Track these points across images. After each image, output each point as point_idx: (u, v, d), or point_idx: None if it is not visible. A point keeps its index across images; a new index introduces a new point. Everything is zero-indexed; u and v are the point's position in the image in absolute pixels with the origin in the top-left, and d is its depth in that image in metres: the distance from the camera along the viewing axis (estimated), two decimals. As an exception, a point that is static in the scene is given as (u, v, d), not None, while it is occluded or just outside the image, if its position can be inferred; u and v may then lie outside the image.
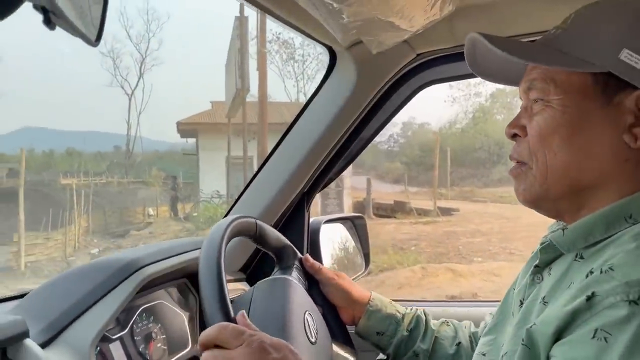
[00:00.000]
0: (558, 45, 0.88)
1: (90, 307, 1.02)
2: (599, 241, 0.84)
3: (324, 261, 1.62)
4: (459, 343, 1.24)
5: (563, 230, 0.89)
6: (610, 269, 0.75)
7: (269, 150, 1.57)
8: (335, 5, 1.00)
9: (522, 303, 0.93)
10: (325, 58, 1.47)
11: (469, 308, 1.75)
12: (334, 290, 1.27)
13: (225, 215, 1.52)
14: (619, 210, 0.84)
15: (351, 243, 1.83)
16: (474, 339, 1.26)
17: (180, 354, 1.24)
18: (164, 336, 1.21)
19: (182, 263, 1.25)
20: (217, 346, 0.84)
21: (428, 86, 1.57)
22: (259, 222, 1.16)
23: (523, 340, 0.80)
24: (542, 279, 0.91)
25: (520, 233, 12.57)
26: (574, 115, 0.86)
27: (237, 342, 0.83)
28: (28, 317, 0.91)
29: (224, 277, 0.94)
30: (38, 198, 19.23)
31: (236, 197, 1.62)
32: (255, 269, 1.61)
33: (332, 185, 14.45)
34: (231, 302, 0.94)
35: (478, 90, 32.53)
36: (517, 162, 0.94)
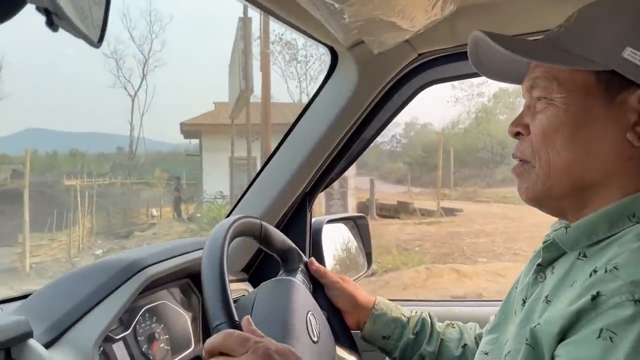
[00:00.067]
0: (561, 44, 0.88)
1: (94, 307, 1.02)
2: (602, 239, 0.84)
3: (326, 261, 1.62)
4: (465, 345, 1.24)
5: (566, 228, 0.88)
6: (615, 268, 0.75)
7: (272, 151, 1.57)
8: (336, 5, 1.00)
9: (524, 302, 0.93)
10: (327, 59, 1.47)
11: (474, 308, 1.75)
12: (338, 294, 1.27)
13: (228, 216, 1.52)
14: (622, 208, 0.84)
15: (353, 243, 1.83)
16: (479, 340, 1.25)
17: (183, 354, 1.24)
18: (167, 336, 1.21)
19: (184, 263, 1.25)
20: (222, 353, 0.84)
21: (429, 86, 1.57)
22: (264, 223, 1.16)
23: (527, 340, 0.80)
24: (545, 278, 0.91)
25: (524, 233, 12.55)
26: (577, 113, 0.85)
27: (243, 350, 0.83)
28: (32, 317, 0.92)
29: (227, 278, 0.94)
30: (42, 199, 19.28)
31: (239, 197, 1.62)
32: (257, 269, 1.61)
33: (336, 185, 14.45)
34: (235, 302, 0.94)
35: (481, 91, 32.50)
36: (520, 161, 0.94)
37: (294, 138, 1.52)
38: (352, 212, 14.81)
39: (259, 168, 1.59)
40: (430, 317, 1.29)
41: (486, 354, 0.99)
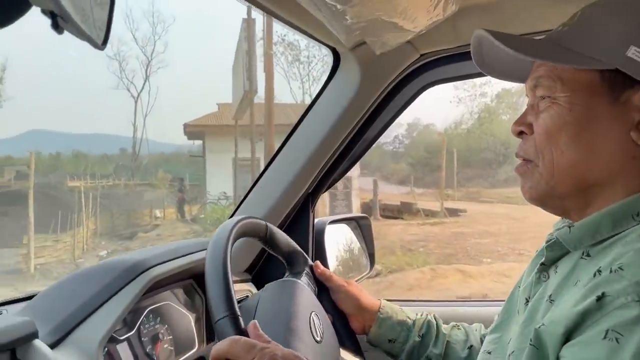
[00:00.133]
0: (565, 43, 0.88)
1: (98, 308, 1.02)
2: (605, 239, 0.84)
3: (329, 262, 1.62)
4: (471, 346, 1.24)
5: (569, 227, 0.88)
6: (620, 268, 0.75)
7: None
8: (338, 6, 1.00)
9: (527, 301, 0.93)
10: (330, 59, 1.48)
11: (479, 308, 1.75)
12: (343, 297, 1.27)
13: (231, 216, 1.53)
14: (626, 207, 0.84)
15: (356, 243, 1.83)
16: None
17: (187, 355, 1.24)
18: (171, 337, 1.21)
19: (188, 264, 1.25)
20: None
21: (432, 86, 1.57)
22: (269, 225, 1.17)
23: (531, 340, 0.80)
24: (548, 277, 0.91)
25: (528, 234, 12.51)
26: (581, 112, 0.85)
27: (249, 356, 0.83)
28: (37, 318, 0.92)
29: (230, 275, 0.95)
30: (46, 200, 19.33)
31: (242, 198, 1.62)
32: (261, 269, 1.62)
33: (340, 186, 14.43)
34: (239, 303, 0.94)
35: (484, 91, 32.46)
36: (524, 160, 0.94)
37: (296, 139, 1.53)
38: (356, 212, 14.79)
39: (262, 169, 1.59)
40: (435, 319, 1.29)
41: (489, 353, 0.99)
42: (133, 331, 1.11)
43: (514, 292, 1.04)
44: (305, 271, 1.25)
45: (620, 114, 0.84)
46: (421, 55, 1.46)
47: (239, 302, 1.31)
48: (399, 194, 23.22)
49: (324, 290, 1.28)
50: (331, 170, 1.58)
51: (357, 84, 1.43)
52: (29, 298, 1.10)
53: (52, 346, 0.92)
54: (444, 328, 1.28)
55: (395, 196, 21.56)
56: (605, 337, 0.70)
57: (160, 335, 1.18)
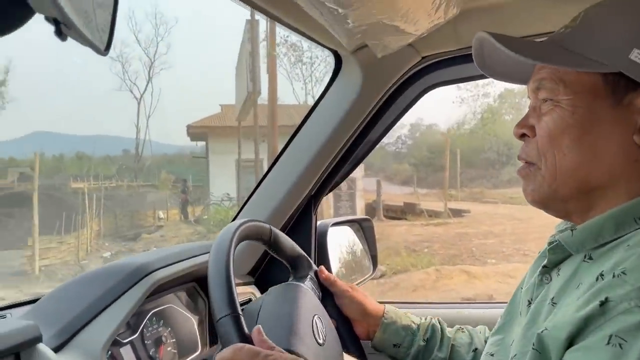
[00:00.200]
0: (567, 45, 0.88)
1: (102, 311, 1.03)
2: (608, 242, 0.83)
3: (331, 264, 1.62)
4: (476, 349, 1.23)
5: (572, 230, 0.88)
6: (623, 273, 0.74)
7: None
8: (340, 10, 1.00)
9: (530, 303, 0.93)
10: (332, 61, 1.47)
11: (484, 310, 1.74)
12: (348, 302, 1.27)
13: (234, 219, 1.53)
14: (628, 211, 0.83)
15: (359, 245, 1.83)
16: None
17: (190, 358, 1.25)
18: (174, 340, 1.22)
19: (191, 267, 1.26)
20: None
21: (433, 89, 1.57)
22: (273, 229, 1.17)
23: (534, 344, 0.80)
24: (551, 280, 0.91)
25: (533, 234, 12.49)
26: (583, 115, 0.85)
27: None
28: (41, 321, 0.93)
29: (232, 276, 0.95)
30: (50, 202, 19.35)
31: (245, 200, 1.62)
32: (264, 272, 1.62)
33: (344, 187, 14.42)
34: (242, 308, 0.94)
35: (486, 91, 32.37)
36: (526, 162, 0.93)
37: (298, 141, 1.53)
38: (360, 213, 14.78)
39: (265, 170, 1.59)
40: (440, 322, 1.29)
41: (492, 355, 0.99)
42: (136, 334, 1.12)
43: (517, 294, 1.04)
44: (309, 276, 1.24)
45: (623, 117, 0.83)
46: (423, 57, 1.45)
47: (242, 304, 1.31)
48: (402, 194, 23.22)
49: (328, 295, 1.27)
50: (333, 173, 1.58)
51: (359, 86, 1.43)
52: (34, 301, 1.11)
53: (56, 350, 0.93)
54: (449, 331, 1.27)
55: (398, 197, 21.55)
56: (608, 343, 0.70)
57: (164, 338, 1.18)
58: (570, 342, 0.75)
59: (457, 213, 17.64)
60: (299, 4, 1.01)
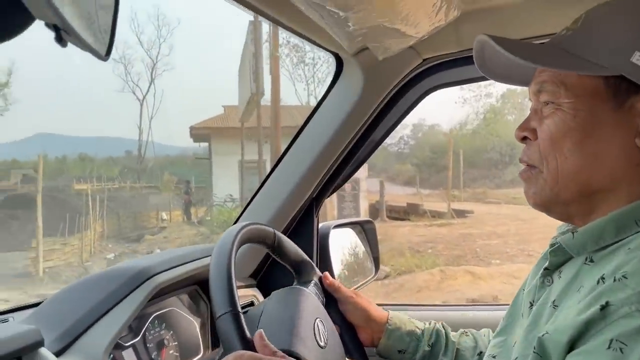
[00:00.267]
0: (568, 47, 0.87)
1: (103, 315, 1.03)
2: (609, 244, 0.83)
3: (333, 266, 1.62)
4: (480, 352, 1.23)
5: (573, 233, 0.88)
6: (624, 277, 0.74)
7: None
8: (341, 13, 1.00)
9: (531, 305, 0.93)
10: (334, 62, 1.47)
11: (489, 312, 1.74)
12: (352, 308, 1.26)
13: (236, 221, 1.53)
14: (630, 213, 0.83)
15: (361, 248, 1.83)
16: None
17: (192, 361, 1.25)
18: (176, 343, 1.22)
19: (193, 270, 1.26)
20: None
21: (434, 91, 1.57)
22: (277, 233, 1.17)
23: (535, 348, 0.80)
24: (552, 282, 0.91)
25: (537, 235, 12.46)
26: (585, 118, 0.85)
27: None
28: (43, 325, 0.93)
29: (233, 277, 0.95)
30: (53, 204, 19.42)
31: (247, 202, 1.62)
32: (265, 275, 1.61)
33: (348, 188, 14.39)
34: (244, 312, 0.94)
35: (489, 91, 32.39)
36: (527, 165, 0.93)
37: (300, 144, 1.53)
38: (364, 214, 14.77)
39: (269, 171, 1.59)
40: (444, 327, 1.29)
41: (494, 357, 0.99)
42: (138, 337, 1.12)
43: (519, 295, 1.04)
44: (313, 281, 1.24)
45: (625, 121, 0.83)
46: (424, 60, 1.45)
47: (244, 307, 1.31)
48: (405, 194, 23.21)
49: (332, 301, 1.27)
50: (335, 175, 1.57)
51: (360, 89, 1.43)
52: (36, 305, 1.11)
53: (58, 354, 0.93)
54: (453, 336, 1.27)
55: (400, 197, 21.55)
56: (609, 347, 0.70)
57: (166, 341, 1.19)
58: (571, 345, 0.75)
59: (461, 213, 17.63)
60: (300, 7, 1.01)
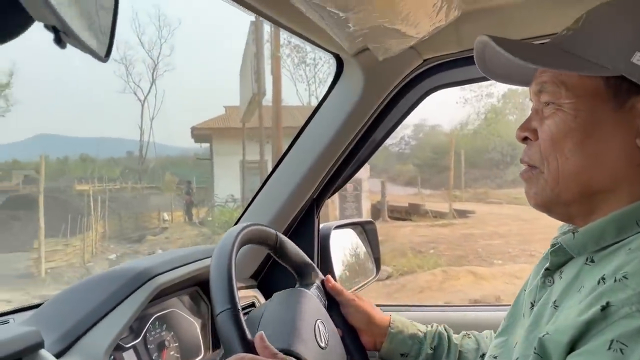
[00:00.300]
0: (569, 48, 0.87)
1: (104, 316, 1.03)
2: (609, 245, 0.83)
3: (334, 267, 1.62)
4: (483, 354, 1.23)
5: (574, 233, 0.88)
6: (625, 277, 0.74)
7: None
8: (341, 14, 1.00)
9: (532, 305, 0.93)
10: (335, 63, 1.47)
11: (490, 313, 1.74)
12: (354, 312, 1.26)
13: (236, 223, 1.53)
14: (630, 214, 0.83)
15: (362, 248, 1.83)
16: None
17: (193, 362, 1.25)
18: (177, 344, 1.22)
19: (193, 271, 1.26)
20: None
21: (435, 91, 1.57)
22: (279, 234, 1.17)
23: (535, 348, 0.80)
24: (553, 282, 0.91)
25: (539, 235, 12.42)
26: (586, 119, 0.85)
27: None
28: (43, 327, 0.93)
29: (234, 274, 0.95)
30: (55, 204, 19.39)
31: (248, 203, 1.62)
32: (266, 275, 1.61)
33: (350, 189, 14.37)
34: (245, 314, 0.94)
35: (490, 91, 32.28)
36: (528, 166, 0.93)
37: (301, 145, 1.53)
38: (366, 214, 14.75)
39: (270, 171, 1.59)
40: (446, 329, 1.28)
41: (495, 357, 0.99)
42: (139, 339, 1.12)
43: (520, 295, 1.04)
44: (315, 284, 1.24)
45: (625, 121, 0.83)
46: (424, 60, 1.45)
47: (245, 308, 1.31)
48: (406, 195, 23.19)
49: (334, 304, 1.27)
50: (336, 176, 1.58)
51: (361, 89, 1.43)
52: (36, 306, 1.11)
53: (58, 355, 0.94)
54: (455, 338, 1.27)
55: (402, 197, 21.53)
56: (610, 348, 0.70)
57: (167, 343, 1.19)
58: (572, 346, 0.75)
59: (462, 214, 17.60)
60: (300, 8, 1.01)
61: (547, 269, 0.92)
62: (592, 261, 0.84)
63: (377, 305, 1.33)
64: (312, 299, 1.15)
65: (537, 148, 0.90)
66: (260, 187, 1.60)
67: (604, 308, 0.72)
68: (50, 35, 0.45)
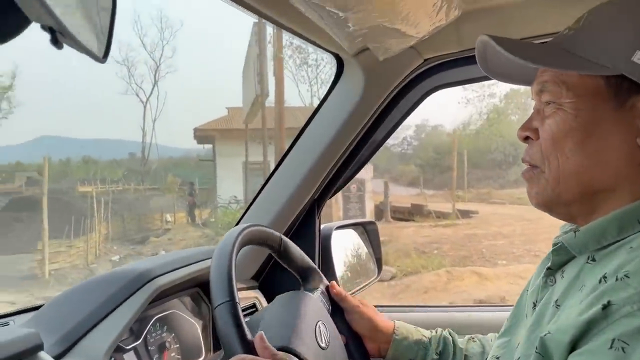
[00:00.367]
0: (569, 47, 0.87)
1: (104, 318, 1.03)
2: (611, 243, 0.83)
3: (336, 268, 1.62)
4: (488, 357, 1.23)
5: (575, 232, 0.88)
6: (626, 276, 0.74)
7: (285, 156, 1.57)
8: (340, 14, 1.00)
9: (535, 305, 0.92)
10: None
11: (495, 313, 1.73)
12: (358, 318, 1.26)
13: (237, 224, 1.52)
14: (632, 213, 0.83)
15: (363, 249, 1.83)
16: None
17: (194, 363, 1.24)
18: (178, 345, 1.22)
19: (194, 273, 1.26)
20: None
21: (436, 91, 1.56)
22: (284, 238, 1.16)
23: (537, 348, 0.79)
24: (555, 282, 0.91)
25: (543, 235, 12.38)
26: (586, 118, 0.85)
27: None
28: (43, 329, 0.93)
29: (233, 269, 0.95)
30: (58, 206, 19.42)
31: (248, 204, 1.62)
32: (268, 276, 1.61)
33: (354, 189, 14.37)
34: (246, 310, 0.94)
35: (492, 92, 32.32)
36: (530, 165, 0.93)
37: (301, 145, 1.53)
38: (369, 215, 14.74)
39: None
40: (450, 334, 1.28)
41: (497, 358, 0.99)
42: (140, 340, 1.12)
43: (523, 296, 1.04)
44: (320, 289, 1.23)
45: (626, 120, 0.83)
46: (425, 60, 1.45)
47: (246, 309, 1.30)
48: (408, 195, 23.16)
49: (338, 310, 1.26)
50: (337, 176, 1.57)
51: (361, 90, 1.42)
52: (36, 308, 1.11)
53: (58, 357, 0.94)
54: (460, 342, 1.26)
55: (404, 198, 21.49)
56: (611, 347, 0.69)
57: (167, 344, 1.18)
58: (573, 345, 0.75)
59: (465, 214, 17.57)
60: (299, 8, 1.00)
61: (548, 268, 0.92)
62: (594, 260, 0.84)
63: (381, 306, 1.33)
64: (314, 302, 1.14)
65: (538, 147, 0.90)
66: (261, 188, 1.59)
67: (605, 307, 0.72)
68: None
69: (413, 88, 1.50)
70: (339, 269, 1.64)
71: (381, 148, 1.69)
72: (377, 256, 1.84)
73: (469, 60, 1.37)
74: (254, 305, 1.46)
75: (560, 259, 0.90)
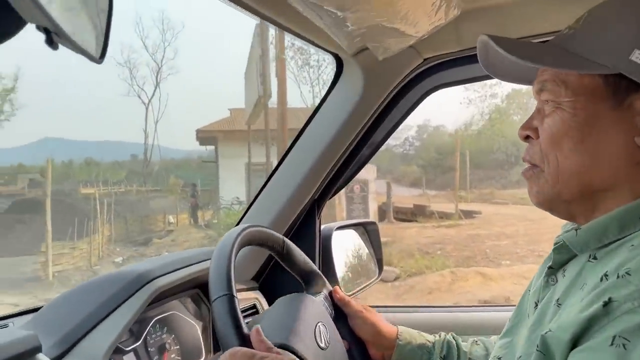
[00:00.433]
0: (568, 47, 0.87)
1: (103, 319, 1.03)
2: (612, 242, 0.83)
3: (336, 268, 1.61)
4: None
5: (576, 231, 0.88)
6: (627, 273, 0.74)
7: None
8: (339, 14, 1.00)
9: (536, 305, 0.92)
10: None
11: (498, 313, 1.73)
12: (361, 323, 1.25)
13: (238, 224, 1.52)
14: (633, 211, 0.83)
15: (364, 249, 1.82)
16: None
17: (194, 364, 1.24)
18: (178, 347, 1.22)
19: (193, 274, 1.26)
20: None
21: (436, 91, 1.56)
22: (286, 240, 1.16)
23: (538, 346, 0.79)
24: (557, 281, 0.90)
25: (546, 235, 12.35)
26: (584, 117, 0.85)
27: None
28: (41, 331, 0.93)
29: (232, 264, 0.95)
30: (61, 208, 19.47)
31: (249, 204, 1.62)
32: (268, 277, 1.61)
33: (357, 190, 14.36)
34: (246, 311, 0.94)
35: (494, 92, 32.25)
36: (530, 164, 0.93)
37: (301, 145, 1.52)
38: (372, 216, 14.73)
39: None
40: (454, 338, 1.27)
41: (499, 358, 0.98)
42: (139, 342, 1.12)
43: (525, 296, 1.04)
44: (323, 294, 1.23)
45: (625, 119, 0.83)
46: (424, 59, 1.44)
47: (246, 310, 1.30)
48: (411, 196, 23.16)
49: (341, 316, 1.26)
50: (337, 177, 1.57)
51: (361, 89, 1.42)
52: (35, 310, 1.11)
53: (57, 359, 0.93)
54: (464, 345, 1.26)
55: (407, 198, 21.49)
56: (612, 344, 0.69)
57: (167, 345, 1.18)
58: (574, 343, 0.74)
59: (468, 214, 17.56)
60: (298, 8, 1.00)
61: (550, 268, 0.92)
62: (595, 258, 0.84)
63: (384, 307, 1.32)
64: (316, 304, 1.14)
65: (538, 147, 0.90)
66: (261, 188, 1.59)
67: (606, 304, 0.72)
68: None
69: (413, 88, 1.49)
70: (340, 269, 1.64)
71: (383, 149, 1.69)
72: (377, 256, 1.83)
73: (469, 59, 1.37)
74: (254, 306, 1.46)
75: (561, 258, 0.90)
